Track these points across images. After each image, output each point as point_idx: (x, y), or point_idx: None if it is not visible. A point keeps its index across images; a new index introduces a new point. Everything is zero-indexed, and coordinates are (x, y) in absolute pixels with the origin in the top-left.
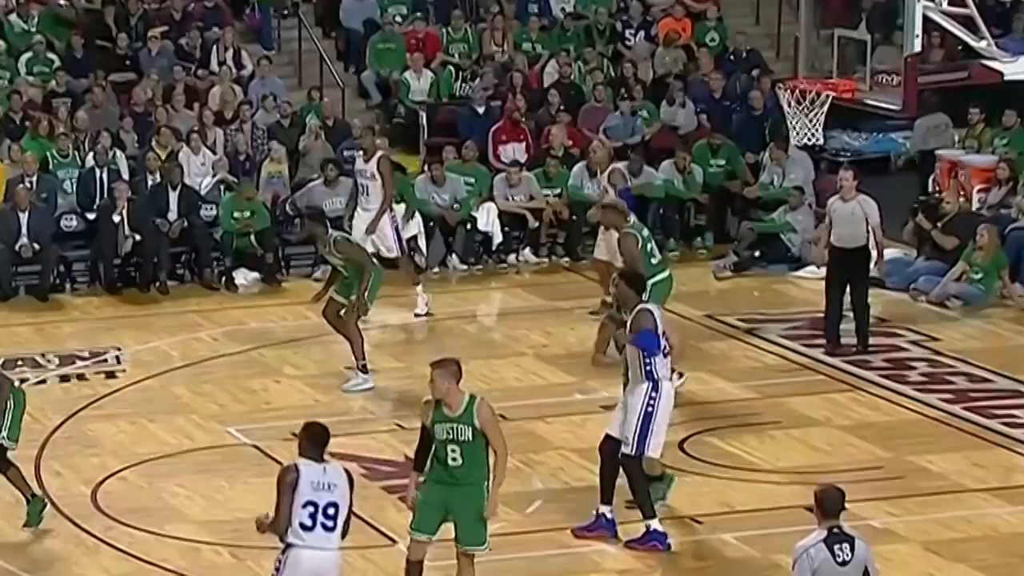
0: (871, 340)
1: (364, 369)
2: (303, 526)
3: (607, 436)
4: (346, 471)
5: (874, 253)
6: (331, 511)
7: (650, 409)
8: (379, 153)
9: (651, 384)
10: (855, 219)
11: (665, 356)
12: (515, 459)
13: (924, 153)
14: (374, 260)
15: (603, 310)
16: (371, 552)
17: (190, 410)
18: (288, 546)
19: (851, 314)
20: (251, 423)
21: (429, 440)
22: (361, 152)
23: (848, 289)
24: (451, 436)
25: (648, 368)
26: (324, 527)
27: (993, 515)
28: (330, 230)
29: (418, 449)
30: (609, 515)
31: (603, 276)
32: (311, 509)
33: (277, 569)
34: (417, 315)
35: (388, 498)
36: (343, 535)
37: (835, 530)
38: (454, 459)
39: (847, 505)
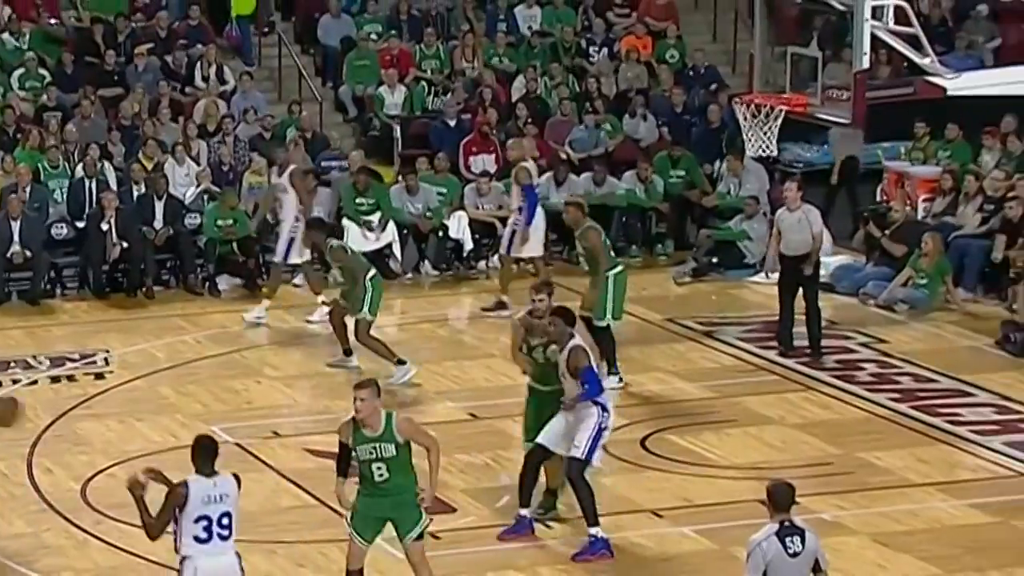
0: (822, 342)
1: (401, 362)
2: (197, 539)
3: (539, 446)
4: (235, 476)
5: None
6: (225, 521)
7: (603, 426)
8: (292, 166)
9: (599, 407)
10: (802, 227)
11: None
12: (485, 456)
13: (845, 161)
14: (371, 268)
15: (495, 308)
16: (347, 544)
17: (175, 409)
18: (184, 558)
19: (803, 318)
20: (233, 422)
21: (348, 452)
22: (276, 166)
23: (800, 294)
24: (375, 455)
25: (597, 400)
26: (220, 536)
27: (937, 508)
28: (329, 238)
29: (338, 460)
30: (527, 515)
31: (507, 276)
32: (205, 523)
33: None
34: (252, 320)
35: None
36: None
37: (786, 523)
38: (380, 475)
39: (799, 499)
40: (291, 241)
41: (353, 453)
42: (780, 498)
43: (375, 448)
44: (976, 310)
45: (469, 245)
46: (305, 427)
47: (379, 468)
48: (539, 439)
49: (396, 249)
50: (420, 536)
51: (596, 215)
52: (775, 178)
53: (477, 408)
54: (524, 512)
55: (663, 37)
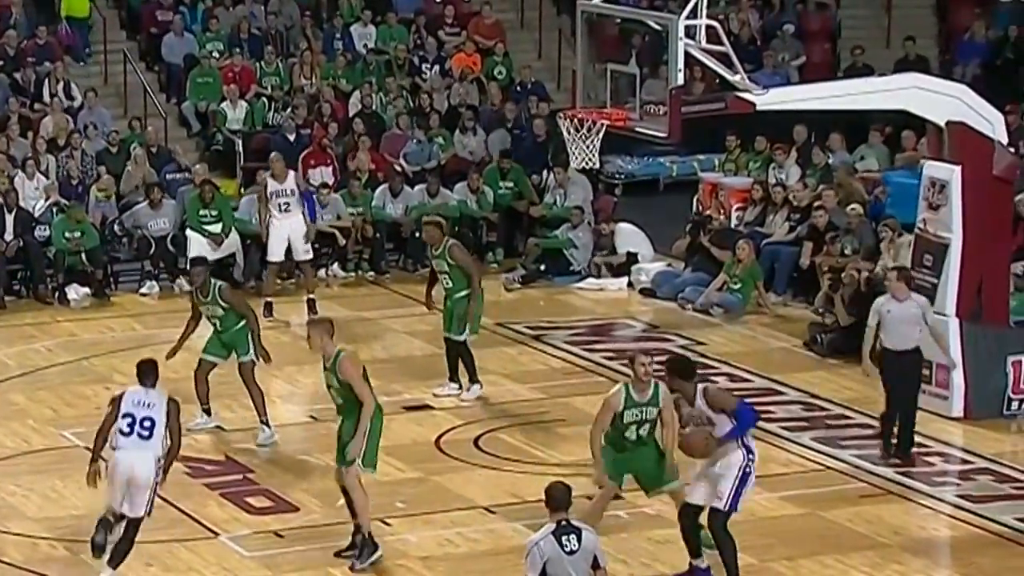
0: (646, 345)
1: (267, 424)
2: (121, 432)
3: (686, 504)
4: (171, 399)
5: (938, 349)
6: (147, 423)
7: (747, 471)
8: None
9: (745, 450)
10: (913, 319)
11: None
12: (325, 457)
13: None
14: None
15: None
16: (194, 544)
17: (27, 415)
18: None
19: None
20: (83, 426)
21: None
22: None
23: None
24: (328, 383)
25: (744, 440)
26: (140, 435)
27: (751, 501)
28: (213, 280)
29: None
30: (703, 566)
31: (273, 279)
32: (129, 419)
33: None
34: None
35: (210, 494)
36: (169, 451)
37: (563, 523)
38: (336, 400)
39: (625, 494)
40: None
41: None
42: (556, 498)
43: (326, 376)
44: (786, 313)
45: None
46: None
47: (332, 395)
48: (688, 499)
49: (239, 258)
50: (358, 463)
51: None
52: (598, 189)
53: (317, 411)
54: (697, 563)
55: (491, 55)
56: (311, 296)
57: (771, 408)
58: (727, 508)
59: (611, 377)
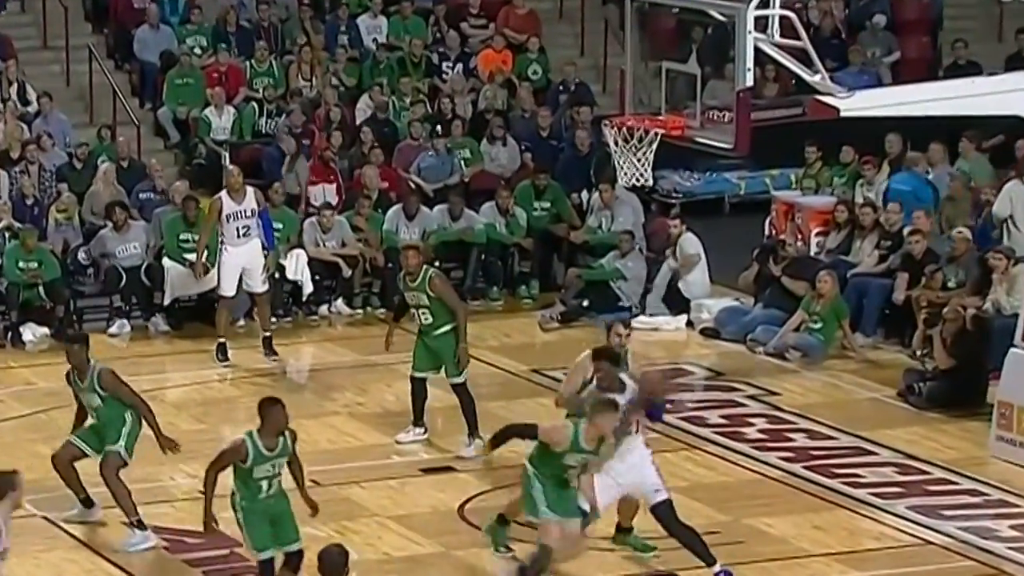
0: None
1: (141, 524)
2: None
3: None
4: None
5: None
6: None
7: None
8: None
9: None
10: None
11: None
12: (329, 528)
13: None
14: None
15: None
16: None
17: None
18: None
19: None
20: (40, 492)
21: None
22: None
23: None
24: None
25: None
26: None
27: None
28: (92, 360)
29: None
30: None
31: (227, 317)
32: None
33: None
34: None
35: (190, 572)
36: None
37: None
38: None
39: (680, 573)
40: None
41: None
42: (330, 564)
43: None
44: (876, 357)
45: (309, 288)
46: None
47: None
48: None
49: None
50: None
51: (453, 253)
52: (651, 210)
53: (319, 474)
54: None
55: (524, 51)
56: (267, 334)
57: (859, 471)
58: (668, 496)
59: (662, 432)
